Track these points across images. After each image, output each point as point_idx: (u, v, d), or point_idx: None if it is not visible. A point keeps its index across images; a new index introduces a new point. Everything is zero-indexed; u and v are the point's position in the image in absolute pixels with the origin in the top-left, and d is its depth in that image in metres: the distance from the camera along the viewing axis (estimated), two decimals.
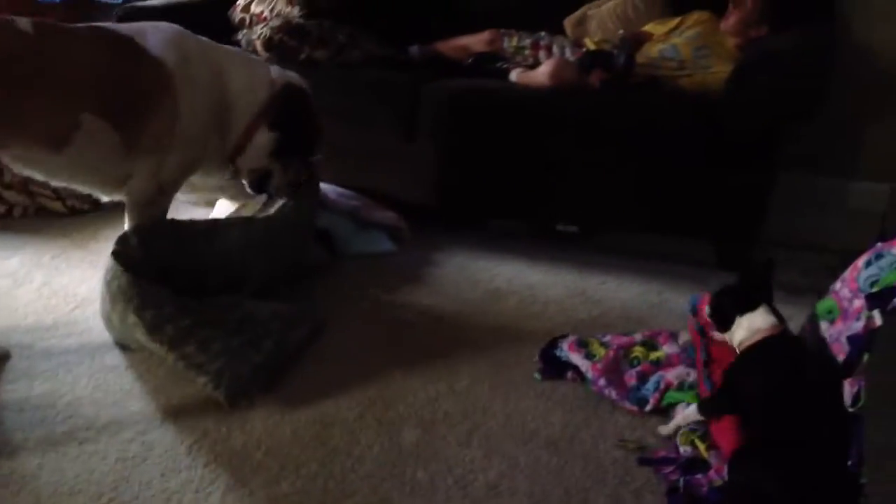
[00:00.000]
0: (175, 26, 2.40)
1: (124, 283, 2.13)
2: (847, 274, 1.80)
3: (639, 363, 2.14)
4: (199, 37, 2.45)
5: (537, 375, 2.19)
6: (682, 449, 1.87)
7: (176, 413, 2.00)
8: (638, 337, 2.25)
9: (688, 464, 1.82)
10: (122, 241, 2.27)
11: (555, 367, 2.20)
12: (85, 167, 2.29)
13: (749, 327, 1.87)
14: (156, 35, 2.31)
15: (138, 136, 2.28)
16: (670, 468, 1.81)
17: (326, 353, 2.29)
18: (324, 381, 2.15)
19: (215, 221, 2.51)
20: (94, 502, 1.69)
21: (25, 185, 3.02)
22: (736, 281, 1.97)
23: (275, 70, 2.57)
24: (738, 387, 1.83)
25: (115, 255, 2.21)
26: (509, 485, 1.77)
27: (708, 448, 1.83)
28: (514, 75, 3.10)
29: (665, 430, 1.96)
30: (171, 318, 2.10)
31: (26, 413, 1.98)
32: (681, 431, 1.91)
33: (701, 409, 1.88)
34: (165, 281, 2.21)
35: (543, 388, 2.14)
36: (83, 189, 2.46)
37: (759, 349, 1.85)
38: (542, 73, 2.96)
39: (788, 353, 1.85)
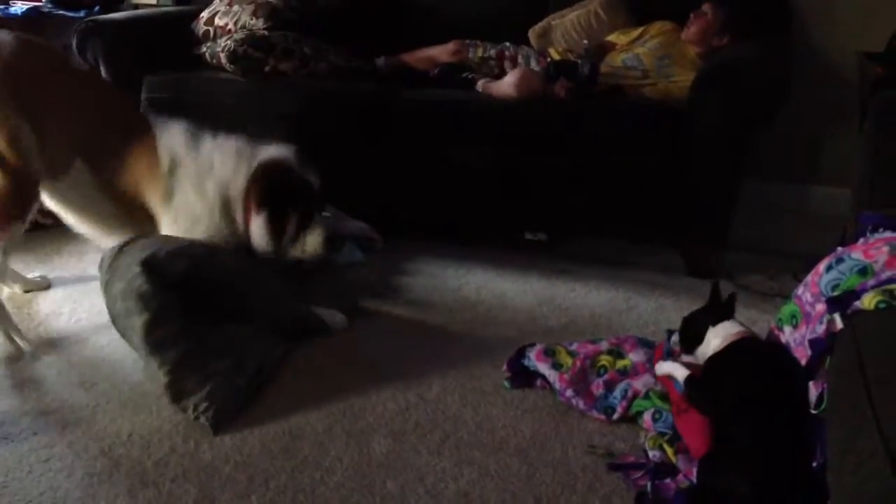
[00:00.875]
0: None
1: (145, 292, 2.09)
2: (809, 278, 1.82)
3: (605, 372, 2.15)
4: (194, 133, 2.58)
5: (506, 384, 2.20)
6: (650, 453, 1.88)
7: (143, 428, 1.98)
8: (604, 345, 2.27)
9: (656, 469, 1.83)
10: (172, 257, 2.18)
11: (523, 376, 2.21)
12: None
13: (723, 334, 1.94)
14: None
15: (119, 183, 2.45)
16: (639, 473, 1.82)
17: (295, 365, 2.28)
18: (292, 393, 2.14)
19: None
20: None
21: None
22: (702, 307, 2.07)
23: (253, 150, 2.58)
24: (712, 388, 1.87)
25: (146, 263, 2.14)
26: (480, 493, 1.78)
27: (676, 452, 1.85)
28: (480, 86, 3.11)
29: (661, 369, 2.05)
30: (174, 342, 2.08)
31: None
32: (649, 435, 1.93)
33: (687, 385, 1.93)
34: (181, 289, 2.18)
35: (513, 397, 2.15)
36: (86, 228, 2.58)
37: (733, 350, 1.91)
38: (507, 84, 2.98)
39: (760, 353, 1.91)
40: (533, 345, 2.28)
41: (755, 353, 1.91)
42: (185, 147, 2.51)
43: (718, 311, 2.02)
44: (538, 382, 2.20)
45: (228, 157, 2.53)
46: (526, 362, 2.22)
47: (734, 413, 1.78)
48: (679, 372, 1.97)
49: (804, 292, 1.81)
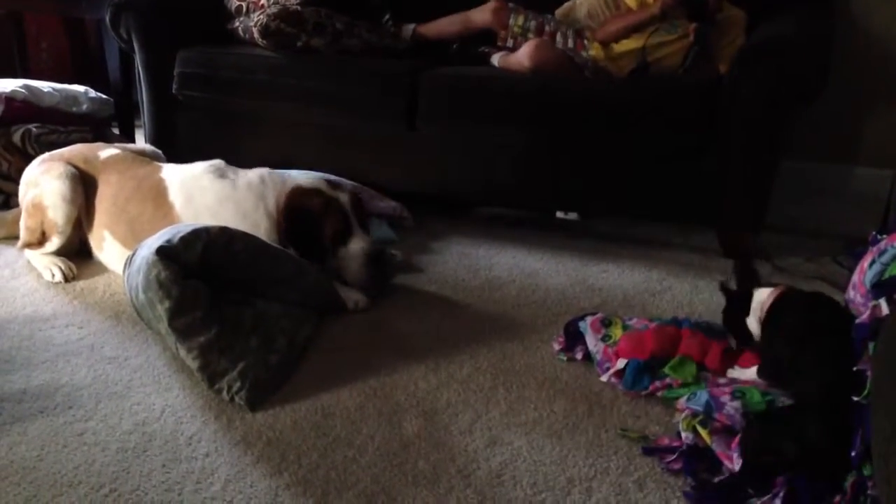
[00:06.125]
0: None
1: (164, 279, 2.08)
2: (855, 278, 1.78)
3: None
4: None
5: (562, 357, 2.22)
6: (683, 435, 1.85)
7: (176, 404, 1.98)
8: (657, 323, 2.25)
9: (691, 452, 1.80)
10: (187, 244, 2.17)
11: (574, 341, 2.24)
12: None
13: (757, 307, 1.96)
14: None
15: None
16: (673, 456, 1.80)
17: (326, 344, 2.28)
18: (324, 371, 2.14)
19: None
20: (94, 493, 1.67)
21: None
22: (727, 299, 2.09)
23: (277, 180, 2.60)
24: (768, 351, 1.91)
25: (161, 251, 2.13)
26: (512, 474, 1.76)
27: (711, 433, 1.82)
28: (496, 60, 3.08)
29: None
30: (201, 327, 2.08)
31: (25, 404, 1.97)
32: (683, 416, 1.91)
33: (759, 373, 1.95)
34: (203, 273, 2.18)
35: (545, 377, 2.13)
36: None
37: (772, 311, 1.94)
38: (522, 54, 2.95)
39: (803, 302, 1.91)
40: (595, 313, 2.30)
41: (797, 300, 1.92)
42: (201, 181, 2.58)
43: (740, 300, 2.03)
44: (578, 355, 2.21)
45: (251, 191, 2.56)
46: (581, 325, 2.24)
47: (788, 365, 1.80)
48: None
49: (855, 295, 1.77)
